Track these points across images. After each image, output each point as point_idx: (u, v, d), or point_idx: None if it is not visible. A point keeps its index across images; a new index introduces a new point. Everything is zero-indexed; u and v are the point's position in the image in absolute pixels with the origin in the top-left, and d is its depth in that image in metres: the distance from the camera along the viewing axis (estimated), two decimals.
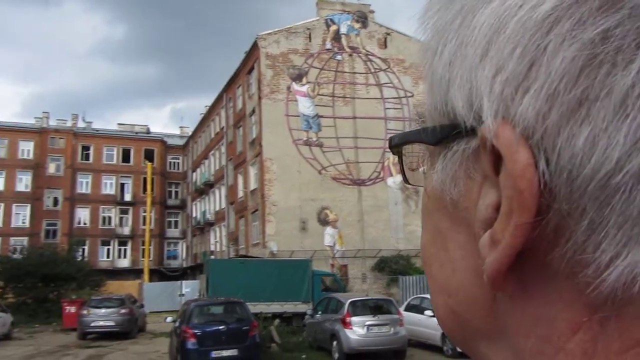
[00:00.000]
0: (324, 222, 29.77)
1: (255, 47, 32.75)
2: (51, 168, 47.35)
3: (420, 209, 0.38)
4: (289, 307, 19.05)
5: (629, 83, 0.24)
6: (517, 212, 0.27)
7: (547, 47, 0.26)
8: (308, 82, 31.50)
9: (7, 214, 45.92)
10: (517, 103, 0.27)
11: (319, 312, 15.26)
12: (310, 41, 32.35)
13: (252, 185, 32.61)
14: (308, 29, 32.81)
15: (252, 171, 32.78)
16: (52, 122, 49.95)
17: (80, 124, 51.09)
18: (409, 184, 0.40)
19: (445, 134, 0.31)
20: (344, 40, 32.83)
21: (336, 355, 13.18)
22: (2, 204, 45.84)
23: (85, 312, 20.13)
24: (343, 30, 32.94)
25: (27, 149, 47.66)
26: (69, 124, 50.37)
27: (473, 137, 0.30)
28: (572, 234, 0.26)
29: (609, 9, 0.25)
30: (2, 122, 49.00)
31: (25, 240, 42.73)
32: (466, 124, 0.29)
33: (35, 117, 51.47)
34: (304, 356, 14.10)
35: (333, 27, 32.82)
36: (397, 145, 0.37)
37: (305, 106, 31.14)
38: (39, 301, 28.18)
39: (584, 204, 0.25)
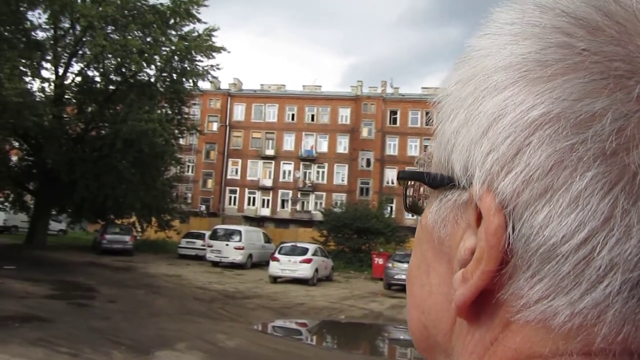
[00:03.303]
0: None
1: None
2: (364, 132, 52.15)
3: (415, 236, 0.45)
4: None
5: (583, 186, 0.31)
6: (486, 261, 0.34)
7: (531, 143, 0.32)
8: None
9: (330, 173, 52.49)
10: (501, 179, 0.33)
11: None
12: None
13: None
14: None
15: None
16: (365, 90, 54.43)
17: (389, 90, 54.67)
18: (408, 211, 0.47)
19: (444, 183, 0.38)
20: None
21: None
22: (326, 164, 52.51)
23: (390, 265, 21.94)
24: None
25: (345, 115, 53.19)
26: (378, 90, 54.41)
27: (464, 192, 0.37)
28: (517, 278, 0.33)
29: (580, 129, 0.31)
30: (326, 92, 55.91)
31: (343, 196, 48.61)
32: (460, 183, 0.37)
33: (351, 86, 56.88)
34: None
35: None
36: (402, 179, 0.46)
37: None
38: (353, 251, 31.92)
39: (532, 261, 0.33)
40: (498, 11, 0.38)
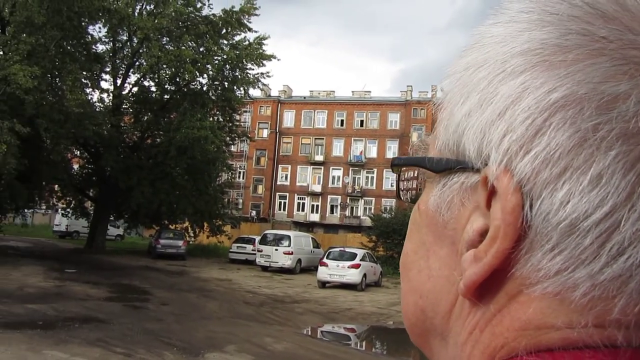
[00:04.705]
0: None
1: None
2: (414, 137, 51.25)
3: (409, 221, 0.45)
4: None
5: (606, 164, 0.31)
6: (501, 239, 0.34)
7: (552, 124, 0.33)
8: None
9: (379, 178, 52.23)
10: (519, 159, 0.34)
11: None
12: None
13: None
14: None
15: None
16: (415, 95, 53.98)
17: (440, 95, 53.86)
18: (400, 199, 0.48)
19: (450, 166, 0.39)
20: None
21: None
22: (376, 169, 52.29)
23: None
24: None
25: (394, 120, 52.92)
26: (429, 95, 53.84)
27: (474, 174, 0.37)
28: (535, 252, 0.34)
29: (603, 109, 0.32)
30: (375, 98, 55.70)
31: (393, 201, 48.17)
32: (473, 165, 0.37)
33: (401, 91, 56.57)
34: None
35: None
36: (397, 165, 0.46)
37: None
38: None
39: (552, 235, 0.33)
40: (510, 1, 0.39)
